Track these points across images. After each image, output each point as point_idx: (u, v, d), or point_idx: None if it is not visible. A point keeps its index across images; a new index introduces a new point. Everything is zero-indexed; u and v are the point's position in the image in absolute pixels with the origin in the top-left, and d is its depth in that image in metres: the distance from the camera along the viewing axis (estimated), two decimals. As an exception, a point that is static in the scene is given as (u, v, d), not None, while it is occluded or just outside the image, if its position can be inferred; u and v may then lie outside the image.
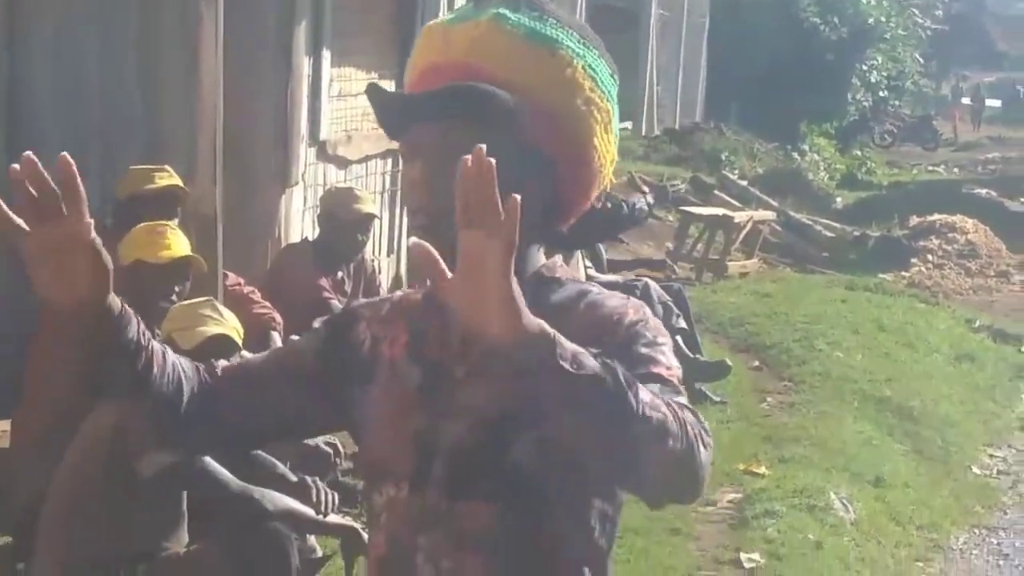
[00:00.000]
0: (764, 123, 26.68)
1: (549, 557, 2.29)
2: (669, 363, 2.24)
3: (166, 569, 4.94)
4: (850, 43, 29.45)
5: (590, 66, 2.37)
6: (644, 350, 2.23)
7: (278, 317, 6.97)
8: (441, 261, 1.93)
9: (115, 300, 2.20)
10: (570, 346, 1.98)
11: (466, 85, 2.28)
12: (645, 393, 2.04)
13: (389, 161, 10.08)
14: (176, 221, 6.44)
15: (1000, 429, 11.47)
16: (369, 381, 2.42)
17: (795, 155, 26.62)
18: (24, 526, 5.54)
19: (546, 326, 1.97)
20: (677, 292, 10.20)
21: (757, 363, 12.07)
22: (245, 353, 5.65)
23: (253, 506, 4.94)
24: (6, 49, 7.29)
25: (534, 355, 1.96)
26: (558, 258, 2.42)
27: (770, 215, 18.48)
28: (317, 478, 5.44)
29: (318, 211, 7.94)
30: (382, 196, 10.05)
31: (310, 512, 5.23)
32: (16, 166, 2.05)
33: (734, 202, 19.09)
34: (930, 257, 18.43)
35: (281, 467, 5.39)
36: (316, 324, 2.54)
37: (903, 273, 17.67)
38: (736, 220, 16.26)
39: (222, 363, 2.46)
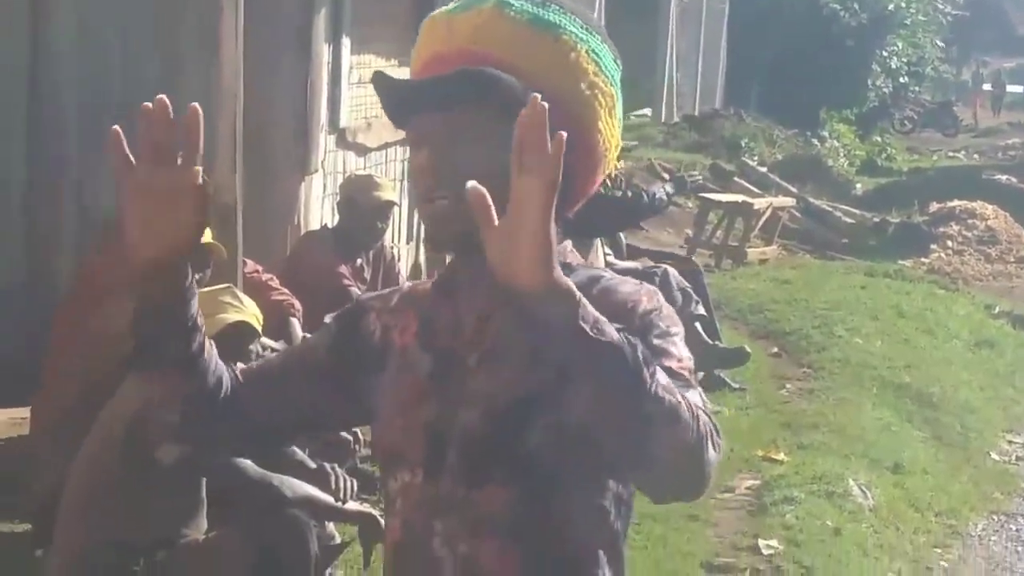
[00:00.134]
0: (784, 109, 26.63)
1: (565, 541, 2.29)
2: (680, 355, 2.23)
3: (185, 556, 4.95)
4: (870, 29, 29.40)
5: (593, 51, 2.36)
6: (656, 341, 2.22)
7: (297, 304, 6.99)
8: (493, 208, 1.96)
9: (188, 269, 2.24)
10: (593, 312, 1.99)
11: (474, 70, 2.27)
12: (662, 375, 2.05)
13: (408, 149, 10.07)
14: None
15: (1019, 415, 11.45)
16: (381, 370, 2.43)
17: (815, 141, 26.57)
18: (43, 513, 5.57)
19: (574, 287, 1.99)
20: (696, 278, 10.19)
21: (776, 350, 12.07)
22: (265, 340, 5.68)
23: (272, 493, 4.96)
24: (29, 37, 7.32)
25: (558, 312, 1.97)
26: (568, 243, 2.42)
27: (790, 202, 18.46)
28: (336, 465, 5.46)
29: (337, 198, 7.95)
30: (401, 183, 10.06)
31: (329, 499, 5.24)
32: (149, 104, 2.10)
33: (754, 188, 19.07)
34: (950, 243, 18.39)
35: (300, 454, 5.41)
36: (327, 319, 2.54)
37: (923, 259, 17.64)
38: (755, 207, 16.24)
39: (240, 365, 2.47)
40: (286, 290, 7.07)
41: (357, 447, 6.32)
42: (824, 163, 24.02)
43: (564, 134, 1.95)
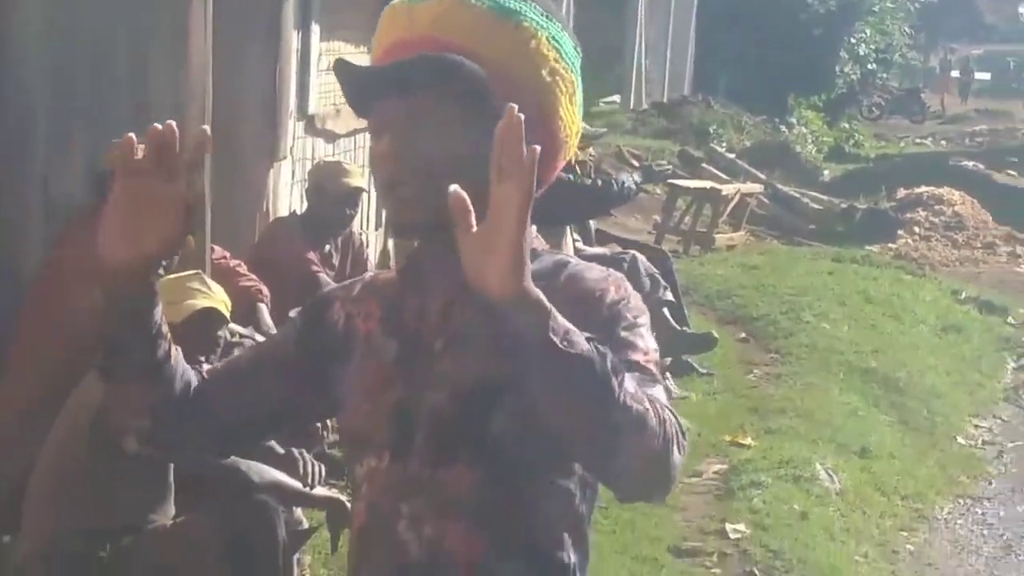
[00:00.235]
0: (752, 96, 26.64)
1: (530, 522, 2.31)
2: (647, 347, 2.26)
3: (152, 541, 4.95)
4: (838, 16, 29.47)
5: (554, 38, 2.37)
6: (623, 334, 2.24)
7: (265, 289, 6.98)
8: (472, 211, 1.99)
9: (157, 276, 2.31)
10: (563, 323, 2.02)
11: (436, 55, 2.28)
12: (631, 383, 2.07)
13: (375, 135, 10.05)
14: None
15: (985, 400, 11.53)
16: (347, 359, 2.43)
17: (783, 128, 26.61)
18: (10, 500, 5.56)
19: (544, 298, 2.02)
20: (664, 264, 10.22)
21: (744, 335, 12.11)
22: (233, 326, 5.68)
23: (240, 478, 4.96)
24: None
25: (528, 321, 2.00)
26: (533, 228, 2.43)
27: (758, 188, 18.50)
28: (304, 451, 5.47)
29: (306, 185, 7.95)
30: (370, 170, 10.04)
31: (297, 484, 5.25)
32: (159, 126, 2.15)
33: (722, 175, 19.11)
34: (917, 229, 18.46)
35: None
36: (292, 314, 2.56)
37: (890, 245, 17.71)
38: (724, 193, 16.27)
39: (206, 367, 2.49)
40: (254, 276, 7.07)
41: (325, 433, 6.32)
42: (792, 149, 24.07)
43: (538, 148, 1.98)
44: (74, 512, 4.87)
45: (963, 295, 14.96)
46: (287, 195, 8.85)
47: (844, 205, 19.28)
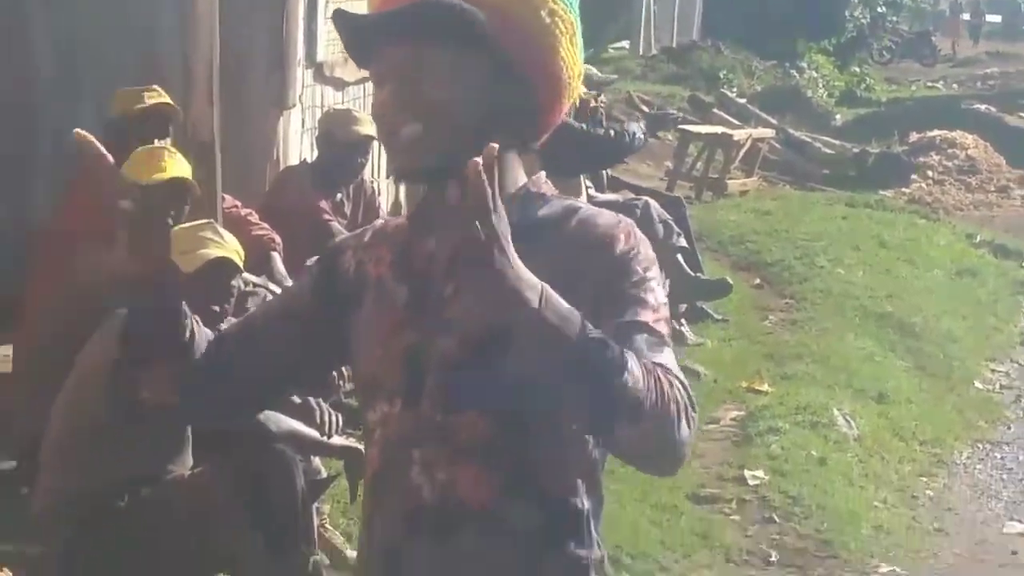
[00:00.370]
0: (762, 41, 26.50)
1: (542, 468, 2.30)
2: (656, 303, 2.27)
3: (170, 492, 4.93)
4: (848, -42, 29.30)
5: None
6: (632, 290, 2.26)
7: (277, 238, 6.93)
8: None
9: (176, 275, 2.38)
10: (578, 337, 2.08)
11: (434, 0, 2.25)
12: (635, 365, 2.11)
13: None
14: (169, 140, 6.40)
15: (1002, 344, 11.49)
16: (359, 305, 2.43)
17: (793, 72, 26.49)
18: (27, 451, 5.54)
19: (557, 320, 2.07)
20: (678, 210, 10.16)
21: (758, 281, 12.08)
22: (246, 275, 5.64)
23: (257, 428, 4.92)
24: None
25: (544, 345, 2.09)
26: (542, 174, 2.43)
27: (769, 133, 18.41)
28: (321, 400, 5.44)
29: (316, 133, 7.89)
30: (373, 118, 9.96)
31: (314, 434, 5.23)
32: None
33: (733, 120, 19.01)
34: (930, 173, 18.38)
35: (285, 389, 5.37)
36: (308, 263, 2.55)
37: (903, 189, 17.64)
38: (735, 138, 16.21)
39: (222, 327, 2.52)
40: (266, 225, 7.02)
41: (341, 382, 6.28)
42: (803, 94, 23.95)
43: (479, 160, 2.00)
44: (92, 464, 4.85)
45: (978, 239, 14.92)
46: (297, 144, 8.79)
47: (856, 150, 19.18)
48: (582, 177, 9.09)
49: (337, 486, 5.68)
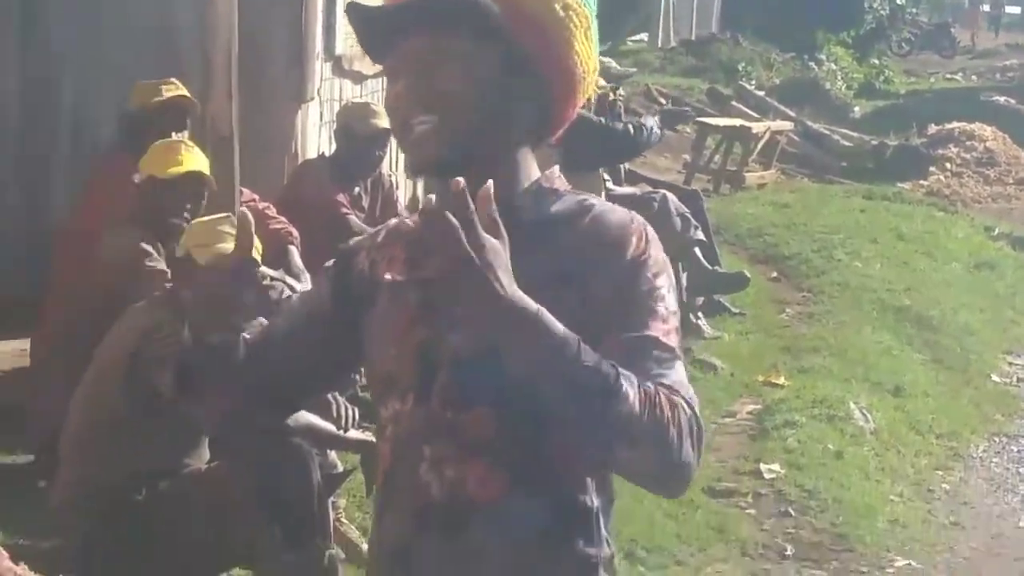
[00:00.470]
0: (781, 33, 26.44)
1: (552, 465, 2.30)
2: (667, 313, 2.27)
3: (188, 485, 4.96)
4: (867, -50, 29.21)
5: None
6: (643, 300, 2.26)
7: (295, 232, 6.95)
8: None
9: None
10: (571, 365, 2.11)
11: None
12: (631, 389, 2.13)
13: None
14: (186, 133, 6.43)
15: (1019, 337, 11.46)
16: (373, 304, 2.43)
17: (812, 65, 26.40)
18: (46, 445, 5.57)
19: (548, 354, 2.11)
20: (695, 203, 10.15)
21: (776, 274, 12.07)
22: (264, 269, 5.66)
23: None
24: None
25: (537, 373, 2.13)
26: (555, 169, 2.42)
27: (788, 125, 18.35)
28: (337, 394, 5.45)
29: (334, 127, 7.90)
30: (387, 112, 9.96)
31: (331, 427, 5.24)
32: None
33: (751, 113, 18.97)
34: (948, 165, 18.31)
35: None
36: (326, 266, 2.56)
37: (921, 182, 17.57)
38: (754, 131, 16.16)
39: (245, 335, 2.49)
40: (284, 219, 7.04)
41: (358, 376, 6.30)
42: (822, 86, 23.87)
43: (432, 196, 2.09)
44: (110, 458, 4.87)
45: (996, 231, 14.88)
46: (315, 137, 8.80)
47: (875, 142, 19.12)
48: (601, 171, 9.10)
49: (353, 480, 5.70)
